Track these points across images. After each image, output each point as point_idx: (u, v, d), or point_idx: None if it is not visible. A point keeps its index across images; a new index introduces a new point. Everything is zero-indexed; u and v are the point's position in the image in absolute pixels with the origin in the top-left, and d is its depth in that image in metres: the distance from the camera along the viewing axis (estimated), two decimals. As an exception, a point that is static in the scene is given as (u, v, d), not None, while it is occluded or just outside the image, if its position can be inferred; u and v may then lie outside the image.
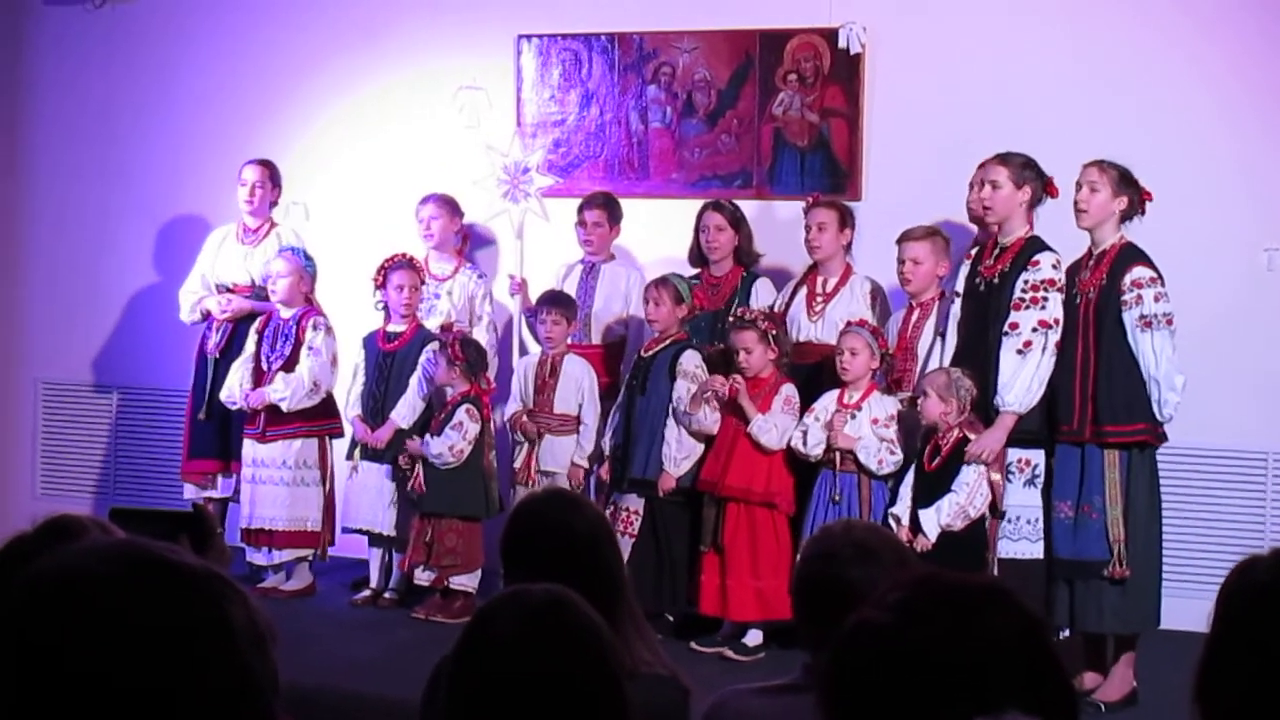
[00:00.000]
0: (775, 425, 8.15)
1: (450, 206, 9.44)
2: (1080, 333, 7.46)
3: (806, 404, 8.19)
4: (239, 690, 1.79)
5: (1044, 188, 7.74)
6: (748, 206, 9.12)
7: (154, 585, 1.77)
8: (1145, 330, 7.33)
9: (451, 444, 8.74)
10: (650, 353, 8.61)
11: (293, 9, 10.46)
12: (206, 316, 9.65)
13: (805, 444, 8.07)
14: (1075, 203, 7.48)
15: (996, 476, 7.52)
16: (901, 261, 8.14)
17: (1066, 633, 7.52)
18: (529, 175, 9.29)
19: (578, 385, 8.88)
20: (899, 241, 8.18)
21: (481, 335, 9.25)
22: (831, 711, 2.12)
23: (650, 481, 8.47)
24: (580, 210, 9.21)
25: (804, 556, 3.67)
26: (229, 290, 9.61)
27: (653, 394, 8.52)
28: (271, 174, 9.68)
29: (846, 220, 8.60)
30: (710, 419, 8.32)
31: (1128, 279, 7.35)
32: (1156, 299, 7.34)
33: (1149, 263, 7.40)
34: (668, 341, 8.56)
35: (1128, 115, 8.76)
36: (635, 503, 8.55)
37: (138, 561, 1.80)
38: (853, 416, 7.98)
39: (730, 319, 8.46)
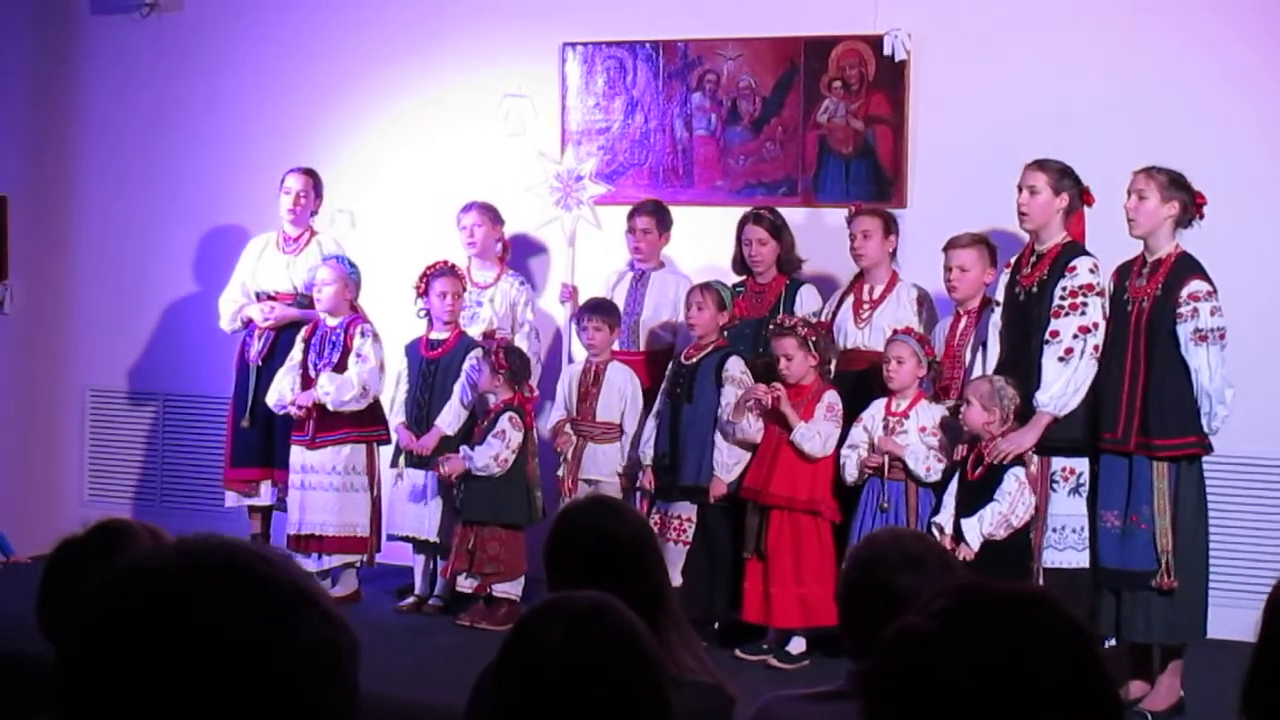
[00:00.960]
0: (818, 433, 8.14)
1: (492, 214, 9.45)
2: (1130, 341, 7.41)
3: (855, 412, 8.17)
4: (305, 709, 1.78)
5: (1080, 196, 7.72)
6: (793, 214, 9.11)
7: (221, 596, 1.76)
8: (1200, 344, 7.28)
9: (495, 453, 8.74)
10: (692, 360, 8.60)
11: (338, 19, 10.49)
12: (248, 325, 9.66)
13: (845, 470, 8.08)
14: (1126, 211, 7.44)
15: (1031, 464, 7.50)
16: (948, 269, 8.12)
17: (1112, 642, 7.48)
18: (582, 183, 9.30)
19: (620, 393, 8.89)
20: (945, 249, 8.16)
21: (522, 343, 9.26)
22: (874, 718, 2.12)
23: (702, 488, 8.45)
24: (630, 217, 9.22)
25: (850, 563, 3.67)
26: (270, 298, 9.63)
27: (700, 401, 8.49)
28: (315, 183, 9.68)
29: (890, 227, 8.58)
30: (754, 427, 8.31)
31: (1184, 292, 7.29)
32: (1212, 313, 7.28)
33: (1205, 275, 7.34)
34: (709, 348, 8.56)
35: (1172, 123, 8.70)
36: (687, 509, 8.52)
37: (211, 568, 1.79)
38: (900, 425, 7.97)
39: (770, 326, 8.46)
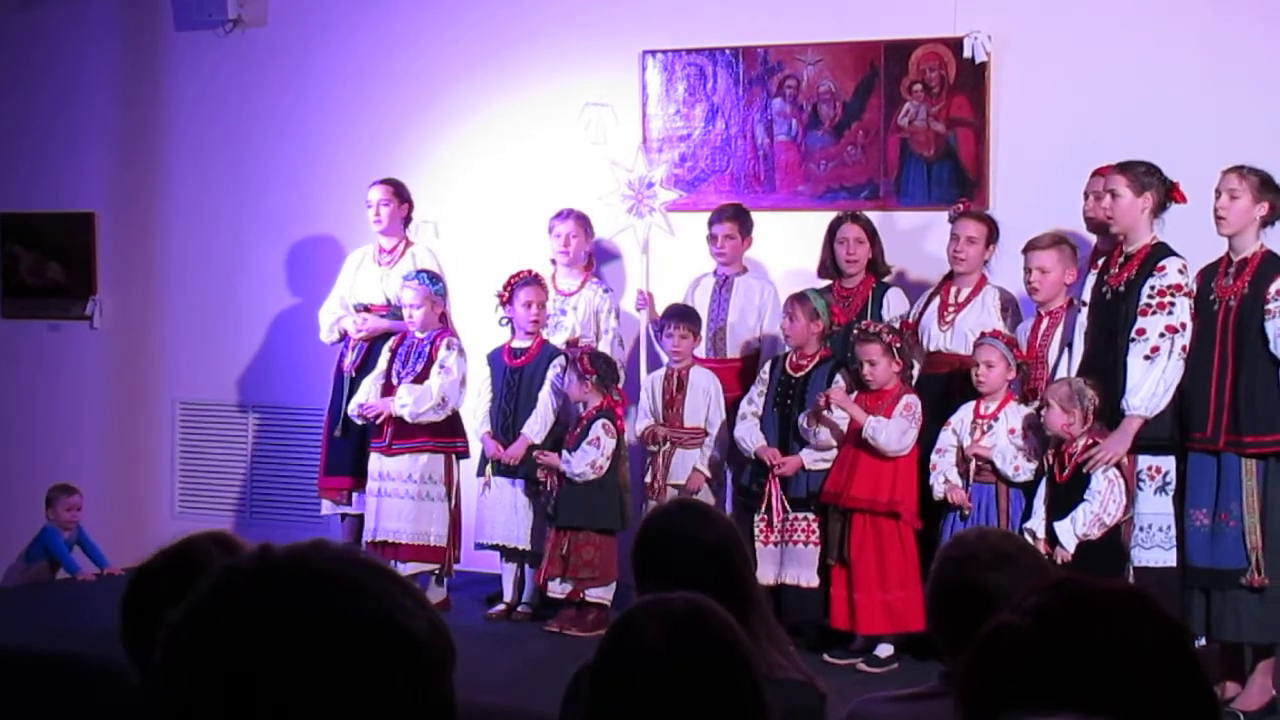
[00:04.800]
0: (890, 426, 8.09)
1: (586, 223, 9.45)
2: (1219, 340, 7.39)
3: (941, 416, 8.13)
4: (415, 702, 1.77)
5: (1167, 194, 7.68)
6: (871, 217, 9.07)
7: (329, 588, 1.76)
8: None
9: (591, 459, 8.73)
10: (802, 373, 8.56)
11: (419, 30, 10.55)
12: (344, 336, 9.72)
13: (933, 481, 8.05)
14: (1215, 210, 7.41)
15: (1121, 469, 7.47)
16: (1028, 270, 8.08)
17: (1203, 641, 7.44)
18: (653, 190, 9.30)
19: (705, 396, 8.87)
20: (1025, 250, 8.11)
21: (606, 349, 9.26)
22: (970, 716, 2.12)
23: (815, 494, 8.40)
24: (711, 224, 9.19)
25: (939, 563, 3.66)
26: (364, 310, 9.68)
27: (812, 413, 8.47)
28: (396, 190, 9.70)
29: (993, 237, 8.49)
30: (827, 436, 8.31)
31: (1273, 289, 7.30)
32: None
33: None
34: (816, 359, 8.52)
35: (1258, 123, 8.62)
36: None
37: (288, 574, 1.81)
38: (989, 427, 7.94)
39: (855, 331, 8.42)
